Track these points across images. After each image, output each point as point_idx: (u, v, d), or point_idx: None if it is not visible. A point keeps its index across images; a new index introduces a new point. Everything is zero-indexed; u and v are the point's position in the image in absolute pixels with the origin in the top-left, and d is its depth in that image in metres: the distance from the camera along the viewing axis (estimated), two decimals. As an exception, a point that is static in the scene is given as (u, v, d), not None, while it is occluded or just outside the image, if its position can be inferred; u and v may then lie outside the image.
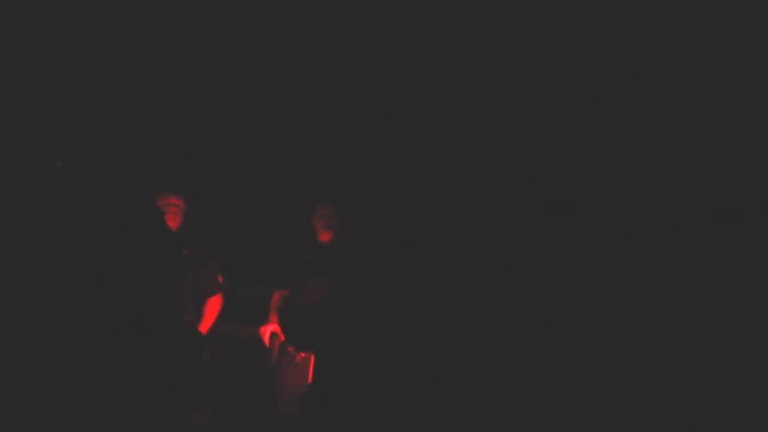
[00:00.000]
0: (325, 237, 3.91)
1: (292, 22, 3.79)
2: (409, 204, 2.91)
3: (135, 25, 3.69)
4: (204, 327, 3.82)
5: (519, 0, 3.51)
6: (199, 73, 3.98)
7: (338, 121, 4.17)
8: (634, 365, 2.56)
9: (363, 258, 2.68)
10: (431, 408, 2.36)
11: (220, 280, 3.95)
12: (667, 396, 2.53)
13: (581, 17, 3.43)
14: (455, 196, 3.01)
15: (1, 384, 1.93)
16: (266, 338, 3.85)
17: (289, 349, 3.69)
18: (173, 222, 3.69)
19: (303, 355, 3.68)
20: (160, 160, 4.00)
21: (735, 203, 2.82)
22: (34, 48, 3.56)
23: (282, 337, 3.80)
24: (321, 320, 2.55)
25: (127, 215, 2.13)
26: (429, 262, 2.57)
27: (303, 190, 3.97)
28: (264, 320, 3.91)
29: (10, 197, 2.02)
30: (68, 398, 1.96)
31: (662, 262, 2.71)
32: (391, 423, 2.36)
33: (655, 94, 3.25)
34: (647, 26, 3.23)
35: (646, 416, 2.51)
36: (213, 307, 3.87)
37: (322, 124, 4.24)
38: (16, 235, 1.98)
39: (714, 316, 2.62)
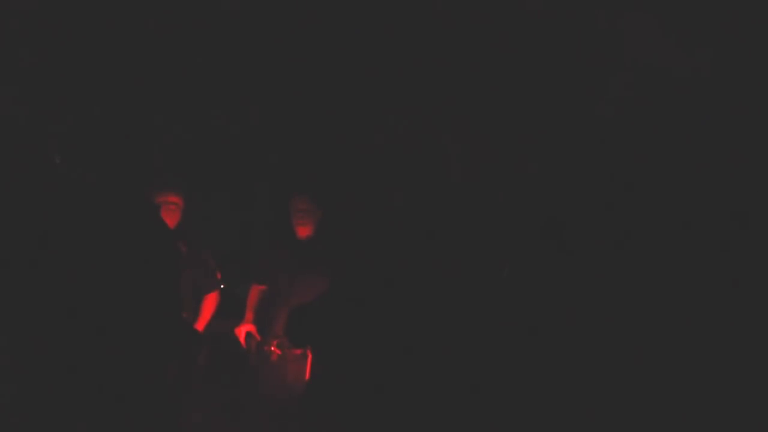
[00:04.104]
0: (302, 232, 3.78)
1: (293, 19, 3.78)
2: (408, 203, 2.91)
3: (134, 22, 3.69)
4: (201, 324, 3.82)
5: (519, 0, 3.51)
6: (198, 70, 3.98)
7: (338, 120, 4.16)
8: (632, 365, 2.56)
9: (362, 257, 2.68)
10: (429, 407, 2.36)
11: (218, 277, 3.94)
12: (667, 396, 2.53)
13: (582, 17, 3.43)
14: (455, 195, 3.02)
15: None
16: (242, 338, 3.78)
17: (271, 348, 3.65)
18: (172, 219, 3.69)
19: (279, 353, 3.64)
20: (158, 157, 4.00)
21: (735, 203, 2.82)
22: (32, 47, 3.55)
23: (258, 337, 3.74)
24: (319, 317, 2.55)
25: (123, 212, 2.13)
26: (428, 260, 2.57)
27: (302, 188, 3.95)
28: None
29: (6, 193, 2.02)
30: (65, 396, 1.95)
31: (662, 262, 2.71)
32: (390, 422, 2.36)
33: (655, 94, 3.25)
34: (647, 26, 3.23)
35: (645, 416, 2.52)
36: (210, 304, 3.87)
37: (322, 123, 4.24)
38: (11, 232, 1.97)
39: (714, 316, 2.62)
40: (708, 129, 3.08)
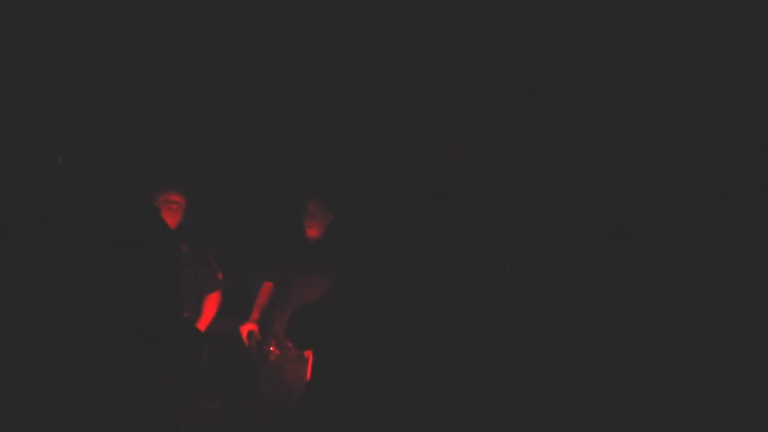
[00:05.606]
0: (312, 233, 3.84)
1: (292, 19, 3.79)
2: (408, 203, 2.91)
3: (135, 21, 3.69)
4: (202, 324, 3.82)
5: (521, -1, 3.51)
6: (200, 70, 3.98)
7: (338, 119, 4.17)
8: (633, 365, 2.56)
9: (363, 256, 2.68)
10: (430, 407, 2.36)
11: (220, 277, 3.94)
12: (667, 396, 2.53)
13: (584, 17, 3.43)
14: (455, 194, 3.01)
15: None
16: (245, 337, 3.80)
17: (270, 348, 3.67)
18: (174, 219, 3.68)
19: (278, 352, 3.66)
20: (161, 157, 4.00)
21: (735, 202, 2.82)
22: (34, 45, 3.56)
23: (259, 336, 3.76)
24: (321, 319, 2.55)
25: (125, 212, 2.13)
26: (428, 260, 2.57)
27: (304, 188, 3.96)
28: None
29: (7, 193, 2.02)
30: (66, 396, 1.96)
31: (662, 262, 2.71)
32: (390, 422, 2.36)
33: (656, 94, 3.25)
34: (649, 26, 3.23)
35: (645, 416, 2.51)
36: (212, 304, 3.87)
37: (323, 122, 4.24)
38: (12, 232, 1.98)
39: (714, 316, 2.62)
40: (708, 129, 3.08)
